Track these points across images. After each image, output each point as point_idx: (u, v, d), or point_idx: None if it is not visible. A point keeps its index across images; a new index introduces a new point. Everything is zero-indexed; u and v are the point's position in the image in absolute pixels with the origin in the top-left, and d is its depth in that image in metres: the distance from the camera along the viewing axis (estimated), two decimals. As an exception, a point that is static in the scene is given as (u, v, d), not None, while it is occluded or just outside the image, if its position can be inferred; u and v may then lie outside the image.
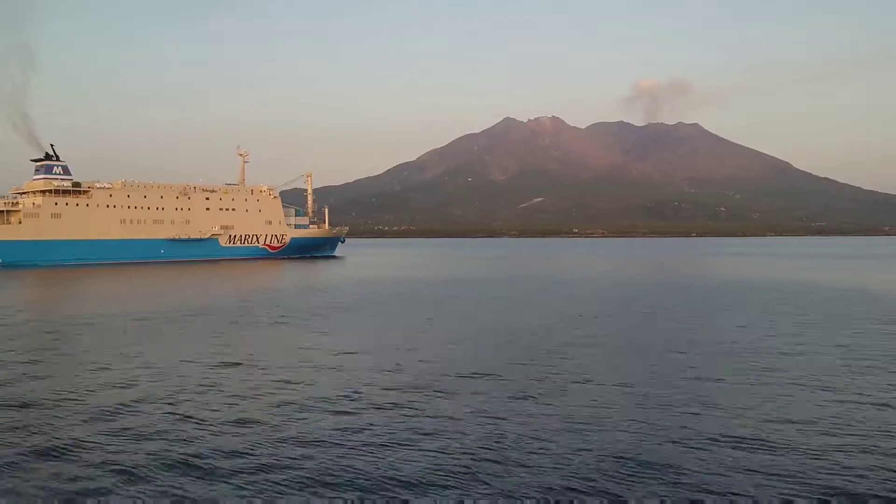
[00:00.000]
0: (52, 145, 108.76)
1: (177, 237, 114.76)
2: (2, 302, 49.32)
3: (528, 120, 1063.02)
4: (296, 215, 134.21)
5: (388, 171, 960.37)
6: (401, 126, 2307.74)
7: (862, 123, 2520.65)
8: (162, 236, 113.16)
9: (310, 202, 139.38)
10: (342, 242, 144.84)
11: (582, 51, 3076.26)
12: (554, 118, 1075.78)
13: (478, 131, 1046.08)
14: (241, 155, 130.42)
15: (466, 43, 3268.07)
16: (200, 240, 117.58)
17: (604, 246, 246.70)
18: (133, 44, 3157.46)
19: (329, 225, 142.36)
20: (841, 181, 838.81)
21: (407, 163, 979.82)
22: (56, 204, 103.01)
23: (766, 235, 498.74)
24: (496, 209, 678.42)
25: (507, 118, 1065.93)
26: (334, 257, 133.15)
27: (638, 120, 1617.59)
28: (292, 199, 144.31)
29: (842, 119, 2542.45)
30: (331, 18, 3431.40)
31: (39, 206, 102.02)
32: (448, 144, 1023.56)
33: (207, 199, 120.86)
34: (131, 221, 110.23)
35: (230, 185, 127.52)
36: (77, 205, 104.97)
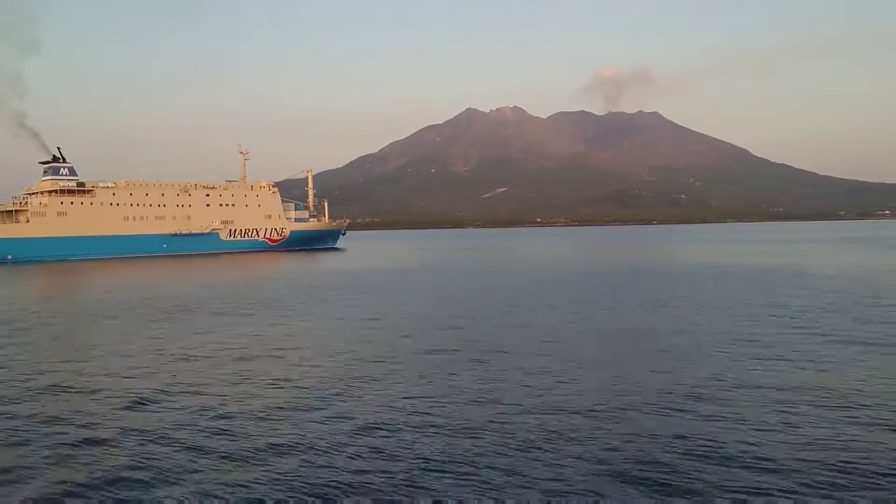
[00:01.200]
0: (58, 148, 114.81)
1: (178, 232, 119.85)
2: (15, 293, 55.37)
3: (490, 110, 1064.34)
4: (296, 209, 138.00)
5: (350, 163, 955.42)
6: (362, 118, 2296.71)
7: (818, 110, 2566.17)
8: (164, 231, 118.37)
9: (310, 196, 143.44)
10: (343, 235, 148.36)
11: (542, 40, 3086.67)
12: (516, 108, 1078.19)
13: (440, 122, 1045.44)
14: (241, 153, 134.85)
15: (427, 34, 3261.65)
16: (201, 234, 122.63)
17: (570, 235, 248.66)
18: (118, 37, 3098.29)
19: (329, 218, 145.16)
20: (797, 167, 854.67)
21: (369, 155, 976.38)
22: (62, 203, 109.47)
23: (725, 222, 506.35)
24: (460, 200, 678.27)
25: (469, 109, 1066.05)
26: (336, 249, 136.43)
27: (599, 109, 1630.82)
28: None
29: (798, 105, 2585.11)
30: (292, 8, 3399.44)
31: (46, 205, 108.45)
32: (410, 136, 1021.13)
33: (207, 195, 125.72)
34: (134, 218, 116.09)
35: (230, 181, 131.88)
36: (82, 203, 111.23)
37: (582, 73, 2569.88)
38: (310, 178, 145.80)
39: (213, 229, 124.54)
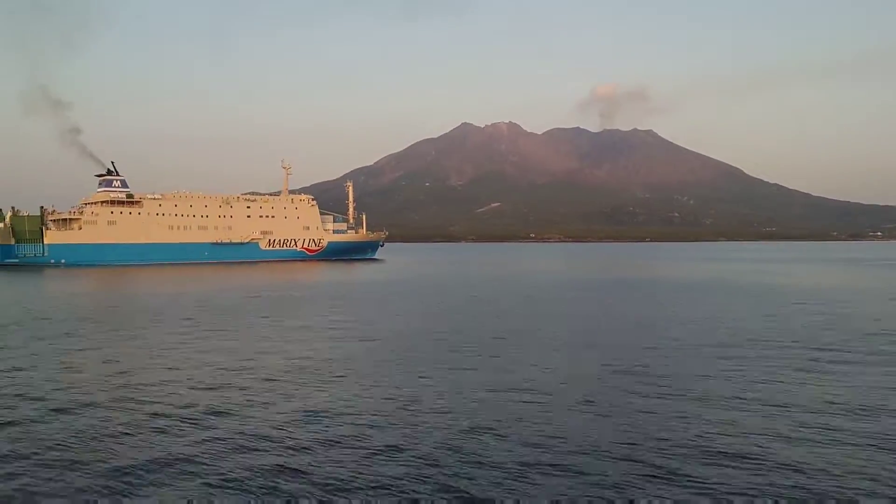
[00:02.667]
0: (112, 162, 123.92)
1: (219, 241, 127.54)
2: (69, 292, 61.93)
3: (485, 125, 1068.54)
4: (334, 221, 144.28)
5: (344, 174, 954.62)
6: (358, 130, 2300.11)
7: (812, 130, 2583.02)
8: (206, 240, 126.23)
9: (350, 209, 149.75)
10: (381, 246, 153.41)
11: (538, 57, 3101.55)
12: (511, 124, 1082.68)
13: (435, 136, 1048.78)
14: (284, 168, 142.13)
15: (425, 48, 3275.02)
16: (242, 243, 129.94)
17: (565, 251, 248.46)
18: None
19: (367, 230, 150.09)
20: (791, 188, 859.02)
21: (364, 167, 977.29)
22: (111, 213, 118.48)
23: (718, 240, 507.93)
24: (453, 214, 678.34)
25: (465, 123, 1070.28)
26: (374, 260, 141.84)
27: (594, 126, 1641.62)
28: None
29: (792, 126, 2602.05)
30: (289, 24, 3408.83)
31: (97, 214, 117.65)
32: (405, 149, 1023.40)
33: (248, 207, 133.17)
34: (178, 227, 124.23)
35: (272, 194, 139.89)
36: (130, 213, 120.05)
37: (577, 90, 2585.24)
38: (350, 192, 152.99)
39: (253, 239, 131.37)
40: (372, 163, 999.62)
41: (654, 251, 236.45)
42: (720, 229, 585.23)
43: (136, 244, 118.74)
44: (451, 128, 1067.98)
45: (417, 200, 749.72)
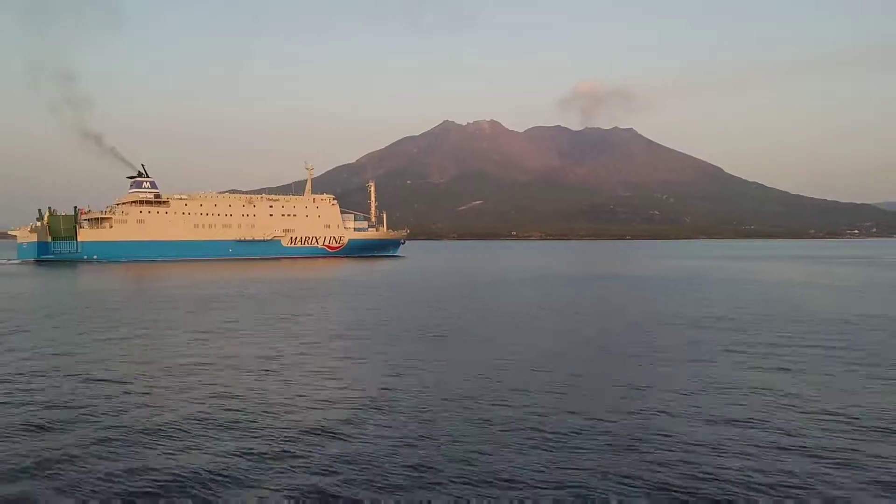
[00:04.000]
0: (142, 165, 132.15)
1: (243, 238, 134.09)
2: (101, 286, 66.83)
3: (467, 123, 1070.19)
4: (355, 220, 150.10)
5: (326, 172, 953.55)
6: (340, 128, 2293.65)
7: (791, 129, 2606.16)
8: (230, 238, 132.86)
9: (372, 208, 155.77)
10: (403, 244, 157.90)
11: (520, 54, 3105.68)
12: (492, 122, 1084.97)
13: (417, 134, 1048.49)
14: (307, 169, 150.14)
15: (406, 44, 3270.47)
16: (265, 241, 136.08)
17: (549, 249, 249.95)
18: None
19: (388, 228, 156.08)
20: (770, 186, 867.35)
21: (346, 164, 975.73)
22: (140, 212, 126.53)
23: (697, 238, 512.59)
24: (435, 211, 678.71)
25: (447, 121, 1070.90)
26: (397, 256, 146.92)
27: (575, 124, 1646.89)
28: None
29: (771, 125, 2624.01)
30: (268, 19, 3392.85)
31: (127, 213, 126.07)
32: (387, 147, 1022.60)
33: (271, 206, 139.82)
34: (203, 226, 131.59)
35: (295, 195, 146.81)
36: (158, 213, 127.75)
37: (558, 88, 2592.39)
38: (372, 191, 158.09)
39: (276, 236, 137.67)
40: (354, 160, 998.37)
41: (636, 249, 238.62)
42: (700, 227, 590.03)
43: (163, 241, 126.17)
44: (433, 125, 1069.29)
45: (399, 198, 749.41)
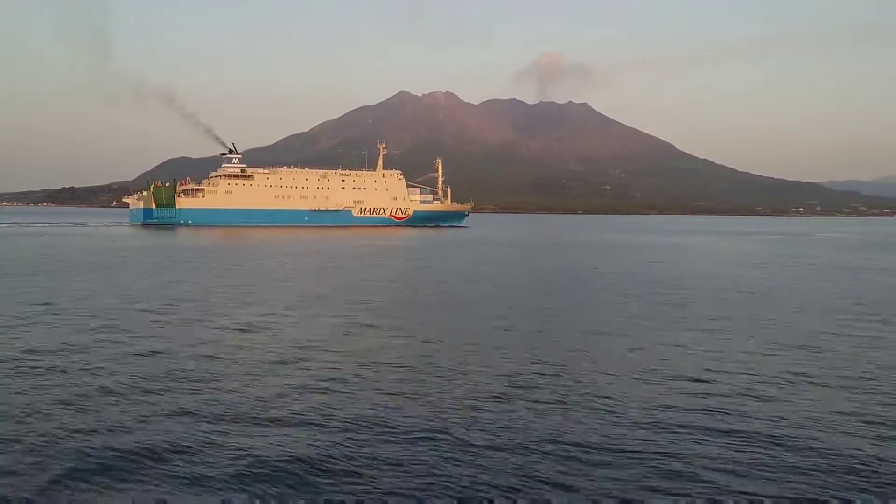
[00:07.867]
0: (233, 143, 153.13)
1: (317, 209, 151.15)
2: (199, 244, 78.90)
3: (423, 94, 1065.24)
4: (421, 193, 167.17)
5: (279, 141, 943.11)
6: (293, 95, 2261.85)
7: (740, 108, 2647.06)
8: (306, 207, 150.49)
9: (439, 182, 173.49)
10: (467, 215, 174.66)
11: (475, 25, 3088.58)
12: (448, 93, 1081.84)
13: (372, 104, 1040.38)
14: (380, 147, 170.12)
15: (363, 13, 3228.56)
16: (337, 210, 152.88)
17: (504, 222, 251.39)
18: None
19: (452, 201, 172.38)
20: (719, 163, 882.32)
21: (299, 133, 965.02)
22: (228, 184, 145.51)
23: (647, 213, 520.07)
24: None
25: (402, 92, 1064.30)
26: (461, 227, 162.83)
27: (530, 98, 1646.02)
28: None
29: (720, 103, 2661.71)
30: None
31: (217, 185, 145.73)
32: (342, 116, 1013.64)
33: (343, 180, 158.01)
34: (283, 196, 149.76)
35: (367, 171, 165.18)
36: (243, 185, 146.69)
37: (517, 61, 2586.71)
38: (439, 166, 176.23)
39: (347, 207, 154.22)
40: (307, 129, 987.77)
41: (581, 223, 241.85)
42: (650, 202, 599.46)
43: (248, 209, 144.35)
44: (389, 96, 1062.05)
45: (354, 168, 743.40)
